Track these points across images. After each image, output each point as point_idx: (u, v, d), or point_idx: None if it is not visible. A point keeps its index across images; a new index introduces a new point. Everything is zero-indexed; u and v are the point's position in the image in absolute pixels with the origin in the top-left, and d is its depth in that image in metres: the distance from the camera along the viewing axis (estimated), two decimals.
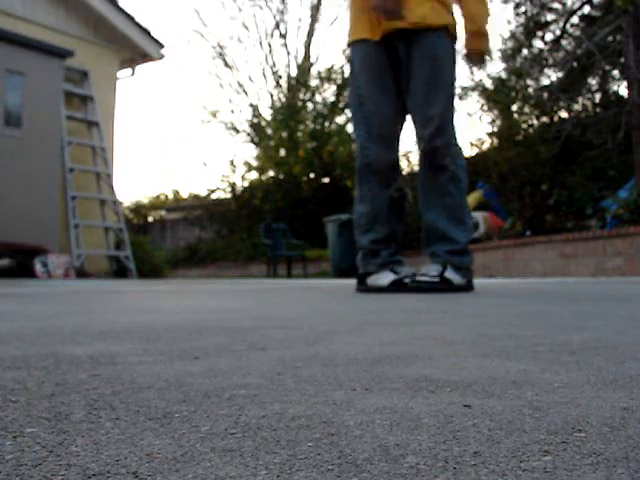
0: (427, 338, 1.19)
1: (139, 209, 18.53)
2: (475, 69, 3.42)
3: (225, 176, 15.50)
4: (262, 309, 2.22)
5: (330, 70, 15.27)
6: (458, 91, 10.43)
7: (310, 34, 17.48)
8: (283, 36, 17.41)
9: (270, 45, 17.48)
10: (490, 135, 10.86)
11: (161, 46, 11.29)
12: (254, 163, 15.50)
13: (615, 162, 9.33)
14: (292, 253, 11.82)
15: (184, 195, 18.89)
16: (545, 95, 10.40)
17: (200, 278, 12.00)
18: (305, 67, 16.92)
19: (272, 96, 17.20)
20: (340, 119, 15.35)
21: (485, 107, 10.76)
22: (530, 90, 10.73)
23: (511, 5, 10.52)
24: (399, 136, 3.25)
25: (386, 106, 3.14)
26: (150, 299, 3.05)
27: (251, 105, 17.07)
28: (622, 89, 10.26)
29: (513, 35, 10.82)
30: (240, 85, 17.71)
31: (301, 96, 15.74)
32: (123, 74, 11.37)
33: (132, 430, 0.54)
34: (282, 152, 14.70)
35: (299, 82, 16.03)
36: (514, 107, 10.57)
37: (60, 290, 4.07)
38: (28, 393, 0.70)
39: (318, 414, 0.60)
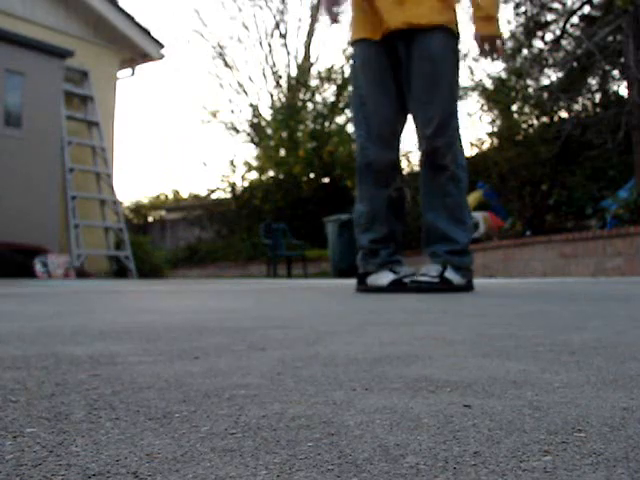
0: (427, 338, 1.19)
1: (139, 209, 18.53)
2: (489, 60, 3.27)
3: (225, 176, 15.51)
4: (262, 309, 2.22)
5: (330, 70, 15.27)
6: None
7: (310, 34, 17.48)
8: (283, 36, 17.41)
9: (270, 45, 17.48)
10: (490, 135, 10.86)
11: (161, 46, 11.29)
12: (254, 163, 15.50)
13: (615, 162, 9.33)
14: (292, 253, 11.82)
15: (184, 195, 18.90)
16: (545, 95, 10.40)
17: (200, 278, 12.00)
18: (305, 67, 16.91)
19: (272, 96, 17.21)
20: (340, 119, 15.35)
21: (485, 107, 10.76)
22: (530, 90, 10.73)
23: (511, 5, 10.52)
24: (399, 136, 3.25)
25: (386, 106, 3.14)
26: (150, 299, 3.05)
27: (251, 105, 17.07)
28: (622, 89, 10.27)
29: (513, 35, 10.82)
30: (240, 85, 17.71)
31: (301, 96, 15.74)
32: (123, 74, 11.38)
33: (132, 430, 0.54)
34: (282, 152, 14.70)
35: (299, 82, 16.03)
36: (514, 107, 10.58)
37: (60, 290, 4.07)
38: (28, 393, 0.70)
39: (318, 414, 0.60)
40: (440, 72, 3.03)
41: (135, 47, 10.91)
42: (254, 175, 15.38)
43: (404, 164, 12.57)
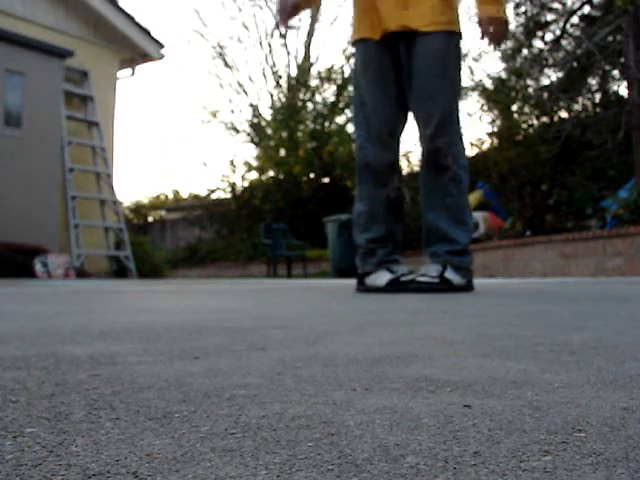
0: (427, 338, 1.19)
1: (139, 209, 18.53)
2: (493, 45, 3.10)
3: (225, 176, 15.52)
4: (262, 309, 2.22)
5: (330, 70, 15.28)
6: None
7: (310, 34, 17.48)
8: (283, 36, 17.40)
9: (270, 45, 17.48)
10: (490, 135, 10.86)
11: (161, 46, 11.29)
12: (254, 163, 15.51)
13: (615, 162, 9.33)
14: (292, 253, 11.83)
15: (184, 195, 18.91)
16: (545, 95, 10.41)
17: (200, 278, 12.00)
18: (305, 67, 16.91)
19: (272, 96, 17.21)
20: (340, 119, 15.36)
21: (485, 107, 10.77)
22: (530, 90, 10.73)
23: (511, 5, 10.52)
24: (399, 137, 3.25)
25: (386, 106, 3.14)
26: (150, 299, 3.05)
27: (251, 105, 17.07)
28: (622, 89, 10.28)
29: (513, 35, 10.82)
30: (240, 85, 17.71)
31: (301, 96, 15.74)
32: (123, 74, 11.38)
33: (132, 430, 0.54)
34: (282, 152, 14.70)
35: (299, 82, 16.03)
36: (514, 107, 10.58)
37: (60, 290, 4.07)
38: (28, 393, 0.70)
39: (318, 414, 0.60)
40: (441, 71, 3.02)
41: (135, 47, 10.91)
42: (254, 175, 15.39)
43: (404, 164, 12.58)
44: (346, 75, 14.83)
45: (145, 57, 11.27)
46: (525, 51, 10.95)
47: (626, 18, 8.37)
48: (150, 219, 18.63)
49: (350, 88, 13.79)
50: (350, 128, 14.10)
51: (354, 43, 3.25)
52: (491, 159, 10.19)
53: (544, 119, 10.42)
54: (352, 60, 3.44)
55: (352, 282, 3.64)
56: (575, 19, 10.47)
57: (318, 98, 15.46)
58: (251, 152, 20.76)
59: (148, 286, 4.97)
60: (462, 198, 3.10)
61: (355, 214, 3.28)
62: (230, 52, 22.77)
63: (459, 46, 3.12)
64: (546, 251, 7.92)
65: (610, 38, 9.33)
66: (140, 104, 36.48)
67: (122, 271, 10.02)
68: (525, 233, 9.26)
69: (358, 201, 3.25)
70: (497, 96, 10.32)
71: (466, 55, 10.65)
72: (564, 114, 10.42)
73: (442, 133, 3.00)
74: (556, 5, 10.56)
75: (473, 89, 10.77)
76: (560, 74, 10.51)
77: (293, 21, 3.29)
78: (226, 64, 17.79)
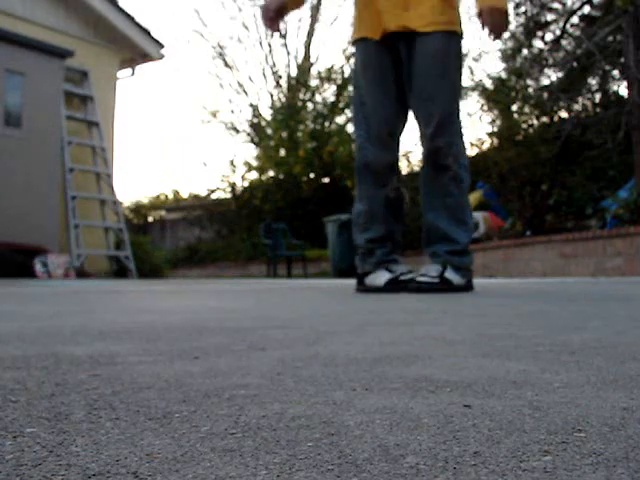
0: (427, 338, 1.19)
1: (139, 209, 18.54)
2: (493, 37, 2.97)
3: (225, 176, 15.51)
4: (262, 309, 2.22)
5: (330, 70, 15.28)
6: None
7: (310, 34, 17.48)
8: (283, 36, 17.40)
9: (270, 45, 17.49)
10: (490, 135, 10.86)
11: (161, 46, 11.29)
12: (254, 163, 15.51)
13: (615, 162, 9.33)
14: (292, 253, 11.83)
15: (184, 195, 18.90)
16: (545, 95, 10.41)
17: (200, 278, 12.00)
18: (305, 67, 16.92)
19: (272, 96, 17.21)
20: (340, 119, 15.35)
21: (485, 107, 10.77)
22: (530, 90, 10.73)
23: (511, 5, 10.51)
24: (399, 137, 3.25)
25: (386, 106, 3.14)
26: (150, 299, 3.05)
27: (251, 105, 17.07)
28: (622, 89, 10.28)
29: (513, 35, 10.82)
30: (240, 85, 17.72)
31: (301, 96, 15.74)
32: (123, 74, 11.38)
33: (132, 430, 0.54)
34: (282, 152, 14.70)
35: (299, 82, 16.03)
36: (514, 107, 10.58)
37: (60, 290, 4.07)
38: (28, 393, 0.70)
39: (318, 414, 0.60)
40: (441, 71, 3.02)
41: (135, 47, 10.92)
42: (254, 175, 15.39)
43: (404, 164, 12.58)
44: (346, 75, 14.83)
45: (145, 57, 11.28)
46: (525, 51, 10.95)
47: (626, 18, 8.37)
48: (150, 219, 18.64)
49: (350, 88, 13.79)
50: (350, 128, 14.10)
51: (354, 43, 3.24)
52: (491, 159, 10.18)
53: (544, 119, 10.42)
54: (352, 60, 3.44)
55: (352, 282, 3.64)
56: (575, 19, 10.47)
57: (318, 98, 15.47)
58: (251, 152, 20.77)
59: (148, 286, 4.97)
60: (462, 198, 3.10)
61: (355, 214, 3.28)
62: (230, 52, 22.79)
63: (460, 46, 3.11)
64: (546, 251, 7.92)
65: (610, 38, 9.33)
66: (140, 104, 36.53)
67: (122, 271, 10.02)
68: (525, 233, 9.26)
69: (358, 201, 3.25)
70: (497, 96, 10.32)
71: (466, 55, 10.65)
72: (564, 114, 10.42)
73: (442, 133, 3.00)
74: (556, 5, 10.56)
75: (473, 89, 10.77)
76: (560, 74, 10.51)
77: (278, 24, 3.29)
78: (226, 64, 17.80)
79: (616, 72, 10.12)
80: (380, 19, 3.05)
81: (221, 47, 17.83)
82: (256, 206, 14.51)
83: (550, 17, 10.69)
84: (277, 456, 0.47)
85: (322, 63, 25.83)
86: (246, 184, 15.29)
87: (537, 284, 4.44)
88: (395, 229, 3.21)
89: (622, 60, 9.13)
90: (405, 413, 0.60)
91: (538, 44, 10.94)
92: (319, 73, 15.64)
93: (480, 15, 2.96)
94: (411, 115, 3.19)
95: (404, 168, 12.30)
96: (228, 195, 15.58)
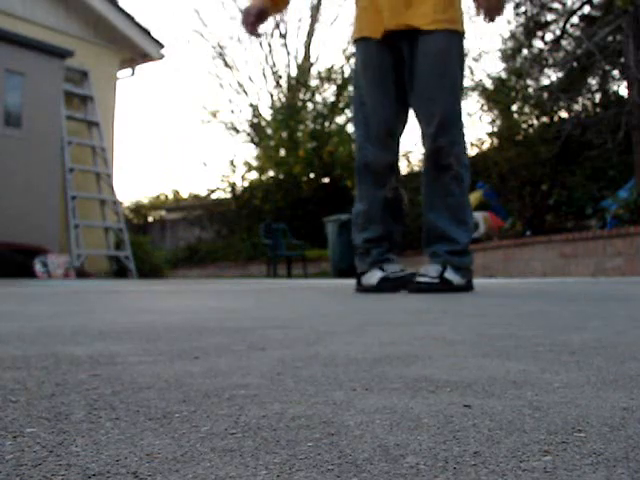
0: (427, 338, 1.19)
1: (139, 209, 18.53)
2: (488, 20, 2.95)
3: (225, 176, 15.51)
4: (262, 309, 2.22)
5: (330, 70, 15.27)
6: None
7: (310, 34, 17.49)
8: (283, 36, 17.42)
9: (270, 45, 17.49)
10: (490, 135, 10.86)
11: (161, 46, 11.29)
12: (254, 163, 15.50)
13: (615, 162, 9.33)
14: (292, 253, 11.83)
15: (184, 195, 18.90)
16: (545, 95, 10.41)
17: (200, 278, 12.00)
18: (305, 67, 16.92)
19: (272, 96, 17.21)
20: (340, 119, 15.35)
21: (485, 107, 10.76)
22: (530, 90, 10.73)
23: (511, 5, 10.52)
24: (399, 137, 3.24)
25: (386, 107, 3.14)
26: (150, 299, 3.05)
27: (251, 105, 17.07)
28: (622, 89, 10.27)
29: (513, 35, 10.82)
30: (240, 85, 17.72)
31: (301, 96, 15.74)
32: (123, 74, 11.38)
33: (132, 430, 0.54)
34: (282, 152, 14.70)
35: (299, 82, 16.03)
36: (514, 107, 10.57)
37: (60, 290, 4.07)
38: (28, 393, 0.70)
39: (318, 414, 0.60)
40: (444, 70, 3.01)
41: (135, 47, 10.91)
42: (254, 175, 15.38)
43: (404, 164, 12.58)
44: (346, 75, 14.83)
45: (145, 57, 11.27)
46: (525, 51, 10.95)
47: (626, 18, 8.37)
48: (150, 219, 18.63)
49: (350, 88, 13.79)
50: (350, 128, 14.10)
51: (355, 42, 3.24)
52: (491, 159, 10.18)
53: (544, 119, 10.41)
54: (352, 60, 3.44)
55: (352, 282, 3.64)
56: (575, 19, 10.47)
57: (318, 98, 15.47)
58: (251, 152, 20.77)
59: (148, 286, 4.97)
60: (463, 197, 3.09)
61: (354, 214, 3.29)
62: (230, 52, 22.81)
63: (462, 45, 3.10)
64: (546, 251, 7.92)
65: (610, 38, 9.33)
66: (140, 104, 36.52)
67: (122, 271, 10.02)
68: (525, 233, 9.26)
69: (358, 201, 3.26)
70: (497, 96, 10.32)
71: (466, 55, 10.64)
72: (564, 114, 10.42)
73: (444, 133, 2.99)
74: (556, 5, 10.56)
75: (473, 89, 10.77)
76: (560, 74, 10.51)
77: (259, 29, 3.32)
78: (226, 64, 17.80)
79: (616, 72, 10.12)
80: (381, 18, 3.04)
81: (221, 47, 17.85)
82: (256, 206, 14.51)
83: (550, 17, 10.69)
84: (277, 456, 0.47)
85: (322, 63, 25.84)
86: (246, 184, 15.29)
87: (537, 284, 4.44)
88: (393, 229, 3.21)
89: (622, 60, 9.13)
90: (405, 413, 0.60)
91: (538, 44, 10.95)
92: (319, 73, 15.65)
93: None
94: (412, 115, 3.19)
95: (404, 168, 12.31)
96: (228, 195, 15.58)
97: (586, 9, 10.38)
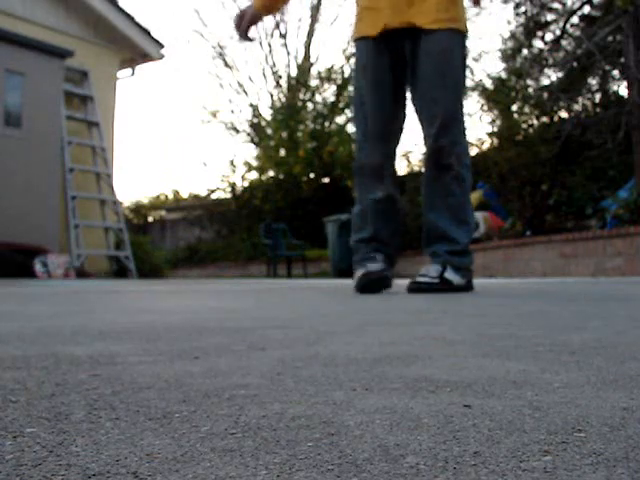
0: (427, 338, 1.19)
1: (139, 209, 18.53)
2: (475, 4, 3.03)
3: (225, 176, 15.52)
4: (262, 309, 2.22)
5: (330, 70, 15.28)
6: None
7: (310, 34, 17.49)
8: (283, 36, 17.42)
9: (270, 45, 17.50)
10: (490, 135, 10.86)
11: (161, 46, 11.29)
12: (254, 163, 15.51)
13: (615, 162, 9.33)
14: (292, 253, 11.83)
15: (184, 195, 18.91)
16: (545, 95, 10.40)
17: (200, 278, 12.00)
18: (305, 67, 16.92)
19: (272, 96, 17.22)
20: (340, 119, 15.36)
21: (485, 107, 10.76)
22: (530, 90, 10.73)
23: (511, 5, 10.53)
24: (398, 137, 3.24)
25: (385, 107, 3.13)
26: (150, 299, 3.05)
27: (251, 105, 17.08)
28: (622, 89, 10.27)
29: (513, 35, 10.82)
30: (240, 85, 17.73)
31: (301, 96, 15.74)
32: (123, 74, 11.39)
33: (132, 430, 0.54)
34: (282, 152, 14.70)
35: (299, 82, 16.04)
36: (514, 107, 10.57)
37: (60, 290, 4.07)
38: (28, 393, 0.70)
39: (318, 414, 0.60)
40: (446, 70, 3.00)
41: (135, 47, 10.92)
42: (254, 175, 15.39)
43: (404, 164, 12.58)
44: (346, 75, 14.84)
45: (145, 57, 11.28)
46: (525, 51, 10.95)
47: (626, 18, 8.37)
48: (150, 219, 18.63)
49: (350, 88, 13.80)
50: (350, 128, 14.11)
51: (355, 42, 3.24)
52: (491, 159, 10.18)
53: (544, 119, 10.41)
54: (352, 60, 3.45)
55: (352, 282, 3.64)
56: (575, 19, 10.47)
57: (318, 98, 15.47)
58: (251, 152, 20.78)
59: (148, 286, 4.97)
60: (464, 197, 3.09)
61: (353, 214, 3.30)
62: (230, 52, 22.79)
63: (464, 45, 3.09)
64: (546, 251, 7.92)
65: (610, 38, 9.33)
66: (140, 104, 36.53)
67: (122, 271, 10.02)
68: (525, 233, 9.26)
69: (357, 202, 3.26)
70: (497, 96, 10.32)
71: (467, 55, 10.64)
72: (564, 114, 10.41)
73: (446, 133, 2.99)
74: (556, 5, 10.56)
75: (473, 89, 10.77)
76: (560, 74, 10.51)
77: (251, 33, 3.38)
78: (226, 64, 17.81)
79: (616, 72, 10.12)
80: (382, 16, 3.03)
81: (221, 47, 17.87)
82: (256, 206, 14.51)
83: (550, 17, 10.69)
84: (277, 456, 0.47)
85: (322, 63, 25.87)
86: (246, 184, 15.30)
87: (537, 284, 4.44)
88: (387, 230, 3.19)
89: (622, 60, 9.13)
90: (405, 413, 0.60)
91: (538, 44, 10.95)
92: (319, 73, 15.65)
93: None
94: (412, 115, 3.19)
95: (404, 168, 12.31)
96: (228, 195, 15.59)
97: (586, 9, 10.39)
